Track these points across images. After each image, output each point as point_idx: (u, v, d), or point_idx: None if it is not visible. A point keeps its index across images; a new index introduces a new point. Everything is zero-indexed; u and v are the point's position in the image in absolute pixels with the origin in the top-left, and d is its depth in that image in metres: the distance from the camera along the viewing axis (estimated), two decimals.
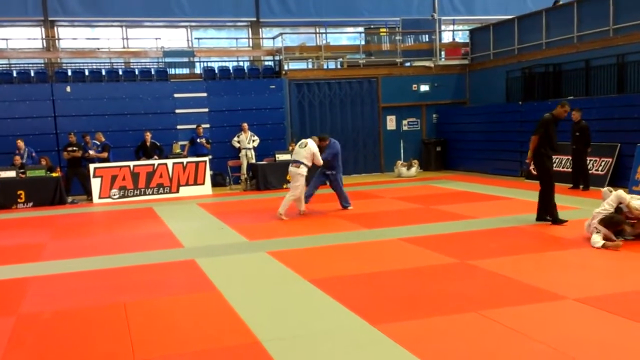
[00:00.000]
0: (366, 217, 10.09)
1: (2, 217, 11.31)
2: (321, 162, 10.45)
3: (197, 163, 14.42)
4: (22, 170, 13.36)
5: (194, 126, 15.92)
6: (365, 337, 4.55)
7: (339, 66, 19.67)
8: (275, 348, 4.35)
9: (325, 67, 19.05)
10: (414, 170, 17.04)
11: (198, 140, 15.53)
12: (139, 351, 4.42)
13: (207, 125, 16.43)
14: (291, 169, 10.46)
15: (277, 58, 18.64)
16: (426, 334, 4.56)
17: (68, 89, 15.83)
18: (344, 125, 18.07)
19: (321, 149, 10.58)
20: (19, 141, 14.09)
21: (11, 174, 12.97)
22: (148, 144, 14.84)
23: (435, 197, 12.34)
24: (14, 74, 16.70)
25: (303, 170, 10.28)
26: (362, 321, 4.85)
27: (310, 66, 19.55)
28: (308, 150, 10.33)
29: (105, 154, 14.34)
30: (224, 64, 18.87)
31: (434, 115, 19.06)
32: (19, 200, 13.00)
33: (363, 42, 19.87)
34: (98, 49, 19.04)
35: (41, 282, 6.64)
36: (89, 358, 4.38)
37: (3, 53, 17.65)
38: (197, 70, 18.96)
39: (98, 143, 14.55)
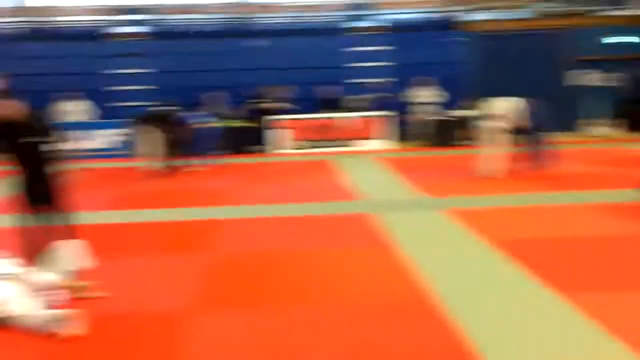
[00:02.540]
0: (556, 180, 9.30)
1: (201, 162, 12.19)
2: (521, 121, 9.64)
3: (380, 117, 14.30)
4: (223, 119, 14.20)
5: (379, 80, 15.77)
6: (549, 304, 4.24)
7: (529, 16, 18.12)
8: (450, 306, 4.21)
9: (513, 17, 17.69)
10: (611, 130, 15.35)
11: (383, 94, 15.35)
12: (313, 295, 4.63)
13: (392, 79, 16.19)
14: (486, 124, 9.80)
15: (461, 9, 17.69)
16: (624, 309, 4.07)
17: (260, 43, 16.52)
18: (531, 80, 16.68)
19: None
20: (212, 93, 14.97)
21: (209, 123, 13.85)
22: (331, 97, 14.98)
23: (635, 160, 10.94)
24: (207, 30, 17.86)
25: (500, 126, 9.56)
26: (545, 288, 4.51)
27: (497, 17, 18.27)
28: (506, 105, 9.61)
29: (287, 106, 14.77)
30: (408, 16, 18.37)
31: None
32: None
33: None
34: (282, 3, 19.39)
35: (234, 225, 7.06)
36: (266, 295, 4.66)
37: (191, 10, 18.70)
38: (385, 23, 18.66)
39: (283, 96, 14.99)
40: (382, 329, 3.94)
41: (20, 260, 4.56)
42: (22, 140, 4.87)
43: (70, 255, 4.50)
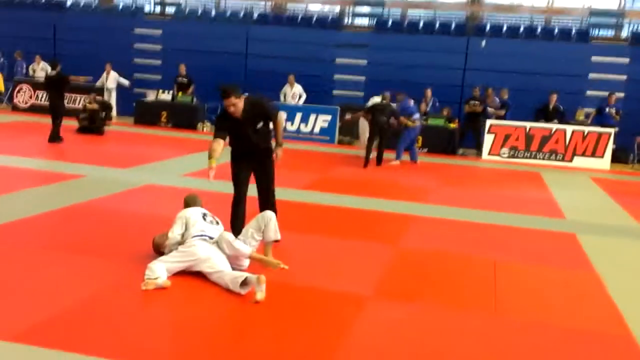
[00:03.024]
0: None
1: (405, 158, 12.25)
2: None
3: (599, 134, 13.13)
4: (424, 117, 14.17)
5: (605, 94, 14.46)
6: None
7: None
8: None
9: None
10: None
11: (607, 109, 14.07)
12: (501, 306, 4.47)
13: (622, 95, 14.76)
14: None
15: None
16: None
17: (483, 43, 16.04)
18: None
19: None
20: (427, 90, 14.95)
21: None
22: (551, 106, 14.07)
23: None
24: (437, 25, 17.76)
25: None
26: None
27: None
28: None
29: (502, 112, 14.18)
30: None
31: None
32: (416, 144, 13.87)
33: None
34: (521, 5, 18.78)
35: (422, 222, 7.07)
36: (452, 298, 4.62)
37: (429, 4, 18.80)
38: (624, 34, 17.12)
39: (497, 100, 14.44)
40: (564, 352, 3.73)
41: (220, 222, 5.01)
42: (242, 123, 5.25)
43: (270, 227, 4.81)
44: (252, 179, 5.59)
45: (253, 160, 5.46)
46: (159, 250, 4.82)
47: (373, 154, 11.32)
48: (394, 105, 11.72)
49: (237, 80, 16.91)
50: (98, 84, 16.01)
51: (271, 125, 5.49)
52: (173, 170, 9.21)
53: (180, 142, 12.89)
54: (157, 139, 13.21)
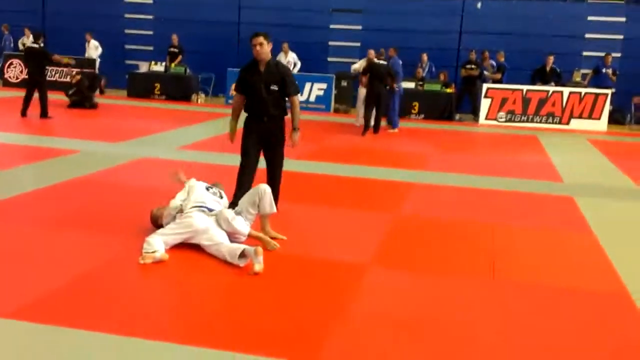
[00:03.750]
0: None
1: (402, 125, 12.16)
2: None
3: (596, 95, 13.06)
4: (420, 83, 14.06)
5: (602, 54, 14.33)
6: None
7: None
8: None
9: None
10: None
11: (604, 70, 13.95)
12: (499, 270, 4.48)
13: (618, 55, 14.64)
14: None
15: None
16: None
17: (478, 5, 15.82)
18: None
19: None
20: (423, 55, 14.79)
21: (410, 85, 13.75)
22: (548, 68, 13.95)
23: None
24: None
25: None
26: None
27: None
28: None
29: (498, 75, 14.06)
30: None
31: None
32: (412, 111, 13.81)
33: None
34: None
35: (421, 189, 7.04)
36: (451, 263, 4.60)
37: None
38: None
39: (494, 63, 14.30)
40: (562, 311, 3.74)
41: (225, 197, 4.98)
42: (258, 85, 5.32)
43: (265, 200, 4.75)
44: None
45: (264, 131, 5.42)
46: (157, 223, 4.78)
47: (375, 121, 11.20)
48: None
49: (230, 49, 16.72)
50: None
51: (287, 104, 5.53)
52: (168, 143, 9.13)
53: (174, 114, 12.78)
54: (151, 111, 13.09)
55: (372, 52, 11.45)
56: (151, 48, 17.25)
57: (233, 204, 4.98)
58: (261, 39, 5.22)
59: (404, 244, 5.05)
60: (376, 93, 10.91)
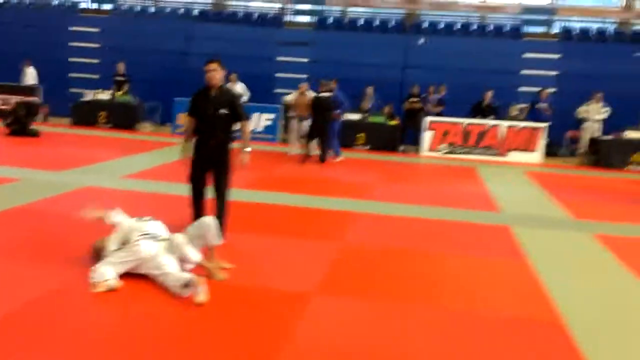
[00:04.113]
0: None
1: (347, 155, 12.41)
2: None
3: (532, 129, 13.64)
4: (366, 114, 14.39)
5: (538, 89, 15.02)
6: None
7: None
8: (579, 331, 4.09)
9: None
10: None
11: (539, 104, 14.62)
12: (440, 299, 4.66)
13: (553, 90, 15.36)
14: None
15: None
16: None
17: (421, 41, 16.38)
18: None
19: None
20: (369, 88, 15.15)
21: (356, 117, 14.06)
22: (486, 103, 14.51)
23: None
24: (376, 23, 18.00)
25: None
26: None
27: None
28: None
29: (439, 109, 14.52)
30: (586, 24, 17.33)
31: None
32: (358, 142, 14.10)
33: None
34: (457, 2, 19.22)
35: (365, 218, 7.19)
36: (393, 291, 4.75)
37: (369, 2, 19.02)
38: (555, 30, 17.80)
39: (438, 97, 14.77)
40: (498, 339, 3.89)
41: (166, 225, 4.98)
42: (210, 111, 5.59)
43: (210, 233, 4.80)
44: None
45: (211, 155, 5.63)
46: (99, 255, 4.75)
47: (317, 151, 11.37)
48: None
49: (178, 79, 16.74)
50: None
51: (237, 127, 5.78)
52: (113, 172, 9.06)
53: (119, 143, 12.66)
54: (96, 140, 12.94)
55: (303, 86, 11.79)
56: (97, 76, 17.09)
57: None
58: (215, 65, 5.52)
59: (348, 272, 5.17)
60: (320, 124, 11.12)
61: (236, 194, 6.74)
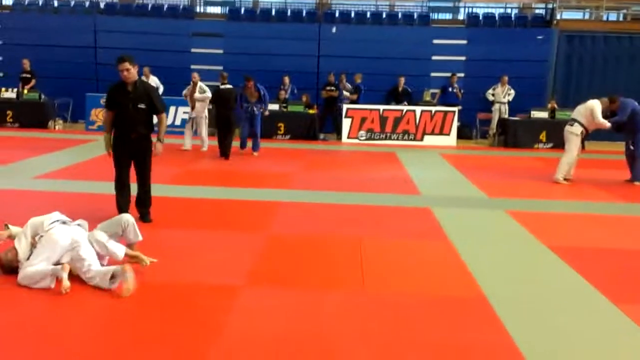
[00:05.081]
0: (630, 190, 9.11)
1: (268, 146, 12.38)
2: (604, 123, 9.31)
3: (445, 112, 14.14)
4: (284, 105, 14.45)
5: (448, 74, 15.57)
6: (599, 312, 4.28)
7: (620, 18, 17.45)
8: (501, 305, 4.29)
9: (604, 18, 17.06)
10: None
11: (450, 89, 15.18)
12: (368, 283, 4.74)
13: (462, 75, 15.96)
14: (566, 127, 9.61)
15: (549, 6, 17.20)
16: None
17: (334, 29, 16.56)
18: (618, 85, 16.08)
19: (612, 114, 9.48)
20: (285, 77, 15.23)
21: (275, 107, 14.09)
22: (400, 89, 14.93)
23: None
24: (288, 13, 18.04)
25: (576, 129, 9.36)
26: (599, 295, 4.55)
27: (586, 17, 17.69)
28: (587, 107, 9.36)
29: (355, 96, 14.79)
30: (490, 10, 18.06)
31: None
32: (278, 132, 14.16)
33: None
34: None
35: (288, 207, 7.26)
36: (322, 278, 4.84)
37: None
38: (461, 17, 18.40)
39: (349, 86, 15.02)
40: (427, 319, 4.04)
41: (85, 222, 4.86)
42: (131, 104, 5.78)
43: (129, 230, 4.73)
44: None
45: (132, 147, 5.87)
46: (12, 267, 4.43)
47: (232, 144, 11.28)
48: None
49: (88, 74, 16.19)
50: None
51: (155, 120, 6.01)
52: (24, 173, 8.69)
53: (30, 142, 12.13)
54: (4, 140, 12.34)
55: (195, 75, 11.79)
56: (0, 74, 16.25)
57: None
58: (127, 64, 5.67)
59: (276, 262, 5.22)
60: (224, 118, 10.93)
61: (158, 189, 6.67)
